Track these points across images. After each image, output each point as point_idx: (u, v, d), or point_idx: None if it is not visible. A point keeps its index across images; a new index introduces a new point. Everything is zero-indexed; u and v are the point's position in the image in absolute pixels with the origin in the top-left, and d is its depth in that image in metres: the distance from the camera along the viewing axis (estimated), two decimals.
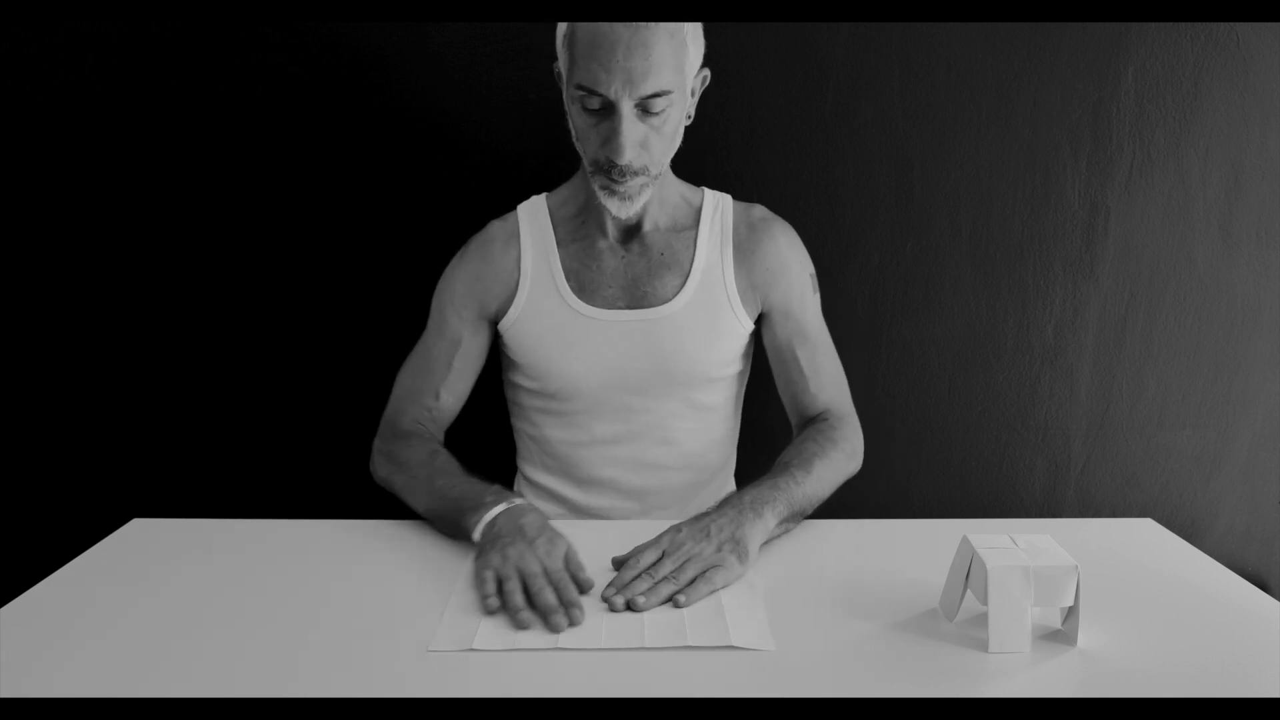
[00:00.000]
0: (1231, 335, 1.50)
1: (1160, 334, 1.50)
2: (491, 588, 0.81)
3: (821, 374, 1.14)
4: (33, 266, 1.42)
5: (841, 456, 1.06)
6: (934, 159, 1.42)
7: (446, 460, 1.03)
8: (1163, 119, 1.41)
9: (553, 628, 0.77)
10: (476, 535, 0.91)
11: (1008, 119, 1.41)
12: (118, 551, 0.94)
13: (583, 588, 0.84)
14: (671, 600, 0.82)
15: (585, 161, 1.03)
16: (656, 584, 0.83)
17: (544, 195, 1.17)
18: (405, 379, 1.14)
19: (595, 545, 0.94)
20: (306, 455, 1.49)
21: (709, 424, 1.16)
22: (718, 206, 1.15)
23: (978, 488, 1.56)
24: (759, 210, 1.16)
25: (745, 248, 1.12)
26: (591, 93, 0.95)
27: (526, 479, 1.22)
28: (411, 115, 1.38)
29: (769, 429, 1.31)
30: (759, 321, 1.15)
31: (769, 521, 0.92)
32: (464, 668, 0.72)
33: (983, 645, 0.75)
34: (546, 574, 0.83)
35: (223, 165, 1.39)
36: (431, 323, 1.15)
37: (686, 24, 0.98)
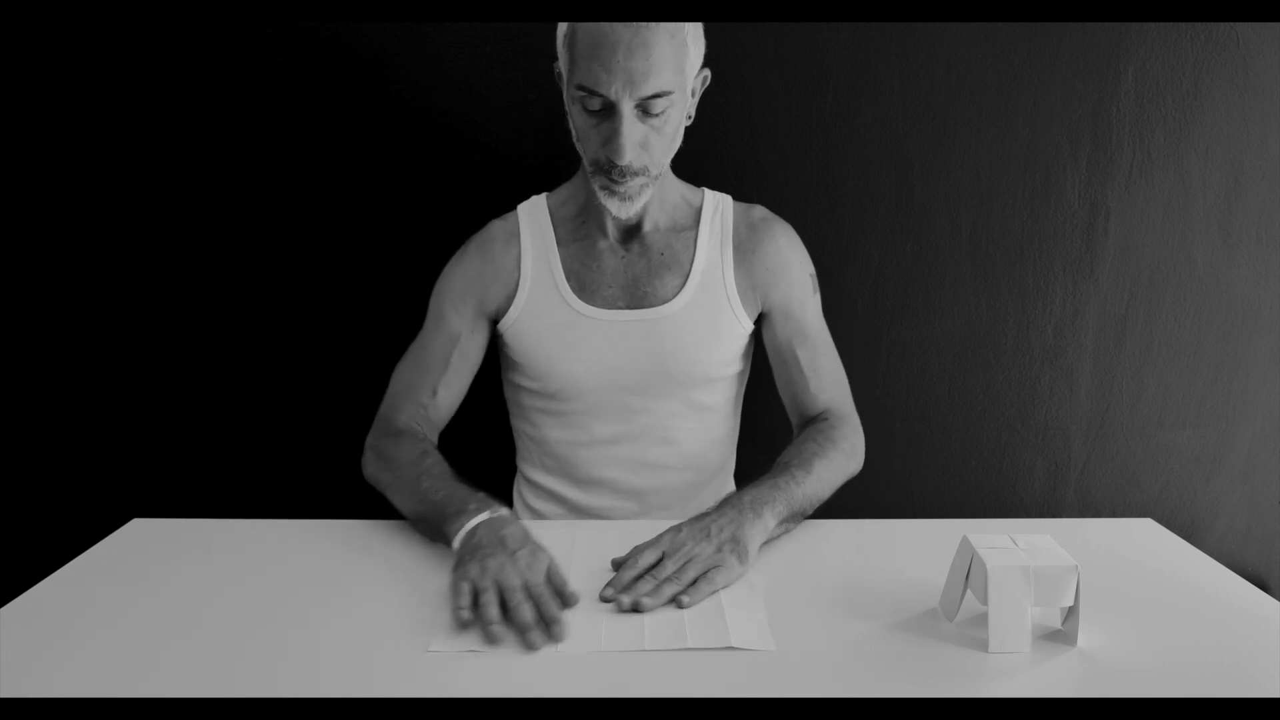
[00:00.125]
0: (1231, 335, 1.50)
1: (1160, 334, 1.50)
2: (466, 600, 0.78)
3: (822, 374, 1.14)
4: (33, 266, 1.42)
5: (841, 457, 1.06)
6: (934, 159, 1.42)
7: (435, 462, 1.00)
8: (1163, 119, 1.41)
9: (527, 645, 0.74)
10: (456, 543, 0.88)
11: (1008, 119, 1.41)
12: (118, 551, 0.94)
13: (566, 602, 0.81)
14: (675, 601, 0.81)
15: (585, 162, 1.03)
16: (660, 585, 0.82)
17: (544, 195, 1.17)
18: (401, 375, 1.14)
19: (595, 545, 0.94)
20: (306, 455, 1.49)
21: (709, 424, 1.16)
22: (718, 207, 1.15)
23: (978, 488, 1.56)
24: (759, 210, 1.16)
25: (745, 248, 1.12)
26: (592, 93, 0.95)
27: (526, 479, 1.22)
28: (411, 115, 1.38)
29: (769, 429, 1.31)
30: (759, 321, 1.15)
31: (769, 522, 0.92)
32: (464, 668, 0.72)
33: (983, 645, 0.75)
34: (526, 588, 0.80)
35: (223, 165, 1.39)
36: (429, 319, 1.14)
37: (687, 24, 0.97)
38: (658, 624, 0.78)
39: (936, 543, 0.91)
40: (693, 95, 1.04)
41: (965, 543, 0.78)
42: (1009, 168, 1.43)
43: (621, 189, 1.01)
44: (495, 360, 1.21)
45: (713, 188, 1.17)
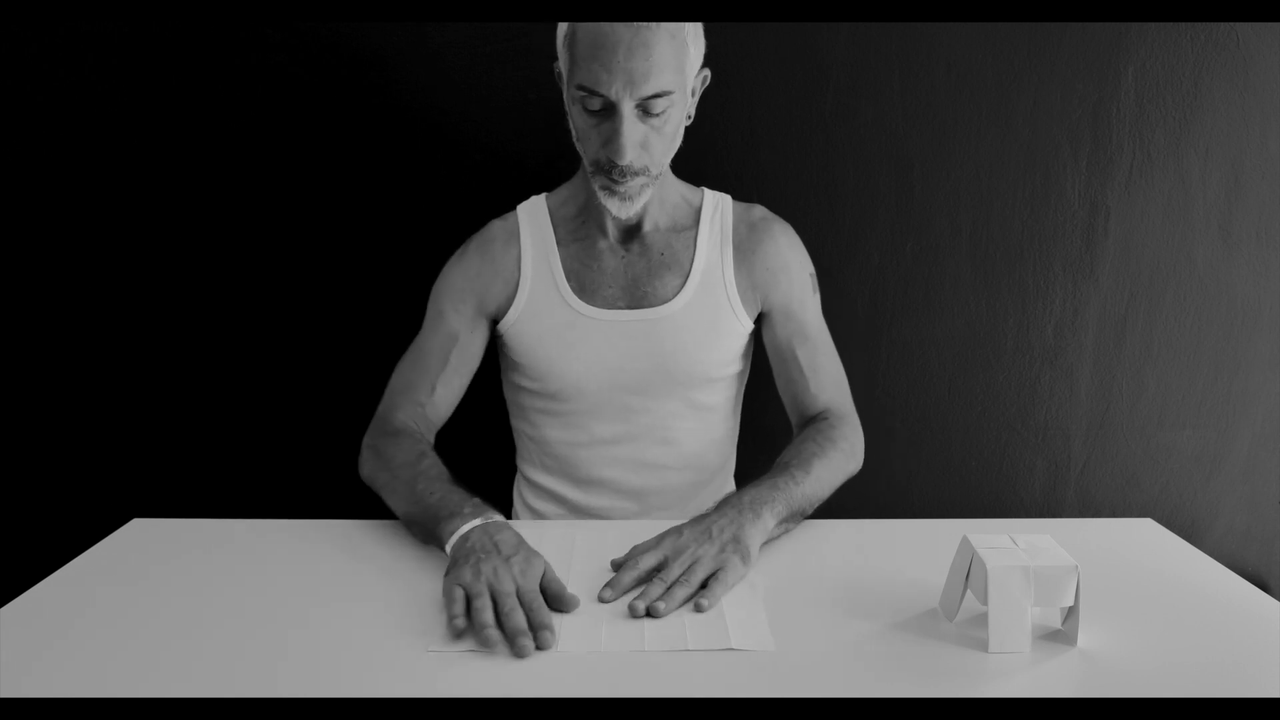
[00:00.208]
0: (1231, 335, 1.50)
1: (1160, 334, 1.50)
2: (459, 607, 0.77)
3: (821, 374, 1.14)
4: (33, 266, 1.42)
5: (841, 456, 1.06)
6: (934, 159, 1.42)
7: (432, 464, 0.99)
8: (1163, 119, 1.41)
9: (518, 651, 0.72)
10: (449, 547, 0.87)
11: (1008, 119, 1.41)
12: (118, 551, 0.94)
13: (567, 607, 0.81)
14: (694, 606, 0.81)
15: (586, 162, 1.03)
16: (669, 589, 0.82)
17: (544, 195, 1.17)
18: (400, 374, 1.14)
19: (595, 545, 0.94)
20: (307, 455, 1.49)
21: (709, 424, 1.16)
22: (717, 206, 1.15)
23: (978, 488, 1.56)
24: (759, 210, 1.16)
25: (745, 248, 1.12)
26: (592, 93, 0.95)
27: (526, 479, 1.22)
28: (411, 115, 1.38)
29: (769, 429, 1.31)
30: (759, 321, 1.15)
31: (768, 522, 0.92)
32: (464, 668, 0.72)
33: (983, 645, 0.75)
34: (520, 594, 0.79)
35: (223, 165, 1.39)
36: (429, 319, 1.14)
37: (687, 24, 0.97)
38: (658, 625, 0.78)
39: (936, 543, 0.91)
40: (693, 95, 1.04)
41: (965, 543, 0.78)
42: (1009, 168, 1.43)
43: (622, 189, 1.01)
44: (495, 360, 1.21)
45: (713, 188, 1.17)
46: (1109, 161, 1.43)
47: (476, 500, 0.93)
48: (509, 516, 1.14)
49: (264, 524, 1.02)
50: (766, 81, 1.39)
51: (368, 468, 1.06)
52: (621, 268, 1.11)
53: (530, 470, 1.21)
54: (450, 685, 0.69)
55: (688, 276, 1.10)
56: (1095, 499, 1.57)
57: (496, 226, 1.15)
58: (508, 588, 0.79)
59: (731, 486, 1.23)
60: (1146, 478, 1.56)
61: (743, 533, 0.89)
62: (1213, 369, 1.51)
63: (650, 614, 0.80)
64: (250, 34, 1.34)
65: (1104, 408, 1.53)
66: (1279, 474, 1.56)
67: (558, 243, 1.12)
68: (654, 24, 0.93)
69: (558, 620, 0.79)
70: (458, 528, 0.87)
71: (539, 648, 0.74)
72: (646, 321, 1.09)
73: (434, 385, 1.11)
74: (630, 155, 0.97)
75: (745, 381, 1.21)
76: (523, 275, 1.11)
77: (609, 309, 1.09)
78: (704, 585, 0.84)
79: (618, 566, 0.88)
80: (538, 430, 1.17)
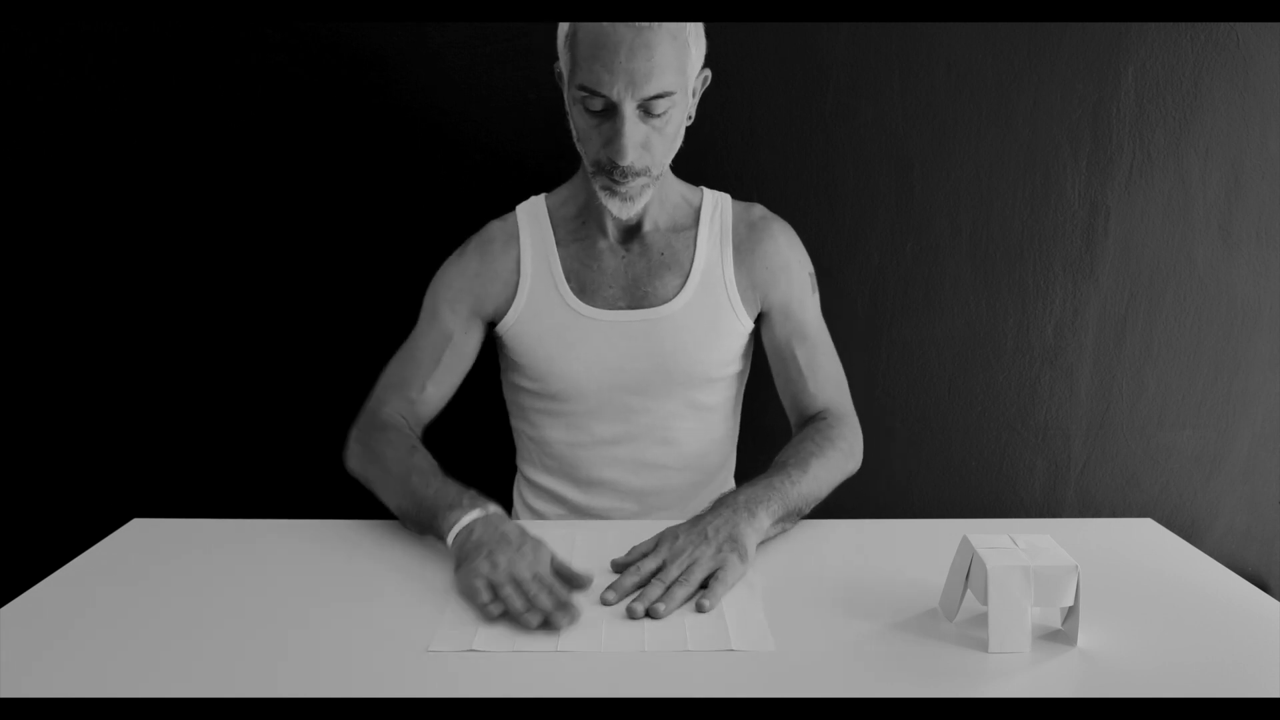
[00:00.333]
0: (1231, 335, 1.50)
1: (1160, 334, 1.50)
2: (488, 595, 0.80)
3: (820, 373, 1.14)
4: (33, 266, 1.42)
5: (839, 456, 1.06)
6: (934, 159, 1.42)
7: (423, 458, 1.01)
8: (1163, 119, 1.41)
9: (555, 625, 0.77)
10: (451, 538, 0.89)
11: (1008, 119, 1.41)
12: (118, 551, 0.94)
13: (580, 584, 0.85)
14: (697, 606, 0.81)
15: (586, 162, 1.03)
16: (669, 590, 0.82)
17: (543, 195, 1.17)
18: (392, 370, 1.14)
19: (595, 545, 0.94)
20: (306, 455, 1.49)
21: (709, 424, 1.16)
22: (717, 206, 1.15)
23: (978, 488, 1.56)
24: (758, 209, 1.16)
25: (745, 247, 1.12)
26: (594, 94, 0.95)
27: (527, 480, 1.22)
28: (411, 115, 1.38)
29: (769, 429, 1.31)
30: (758, 321, 1.15)
31: (763, 521, 0.92)
32: (464, 668, 0.72)
33: (983, 645, 0.75)
34: (538, 579, 0.82)
35: (223, 165, 1.39)
36: (423, 317, 1.14)
37: (689, 25, 0.98)
38: (658, 625, 0.78)
39: (936, 543, 0.91)
40: (693, 96, 1.04)
41: (965, 543, 0.78)
42: (1009, 168, 1.43)
43: (623, 189, 1.01)
44: (495, 361, 1.21)
45: (713, 188, 1.17)
46: (1109, 161, 1.43)
47: (472, 492, 0.95)
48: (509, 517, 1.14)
49: (264, 524, 1.02)
50: (766, 81, 1.39)
51: (356, 461, 1.07)
52: (621, 268, 1.11)
53: (530, 471, 1.21)
54: (450, 685, 0.69)
55: (688, 276, 1.10)
56: (1095, 499, 1.57)
57: (496, 227, 1.15)
58: (527, 574, 0.82)
59: (731, 486, 1.23)
60: (1146, 478, 1.56)
61: (738, 532, 0.89)
62: (1213, 369, 1.51)
63: (650, 615, 0.80)
64: (250, 34, 1.34)
65: (1104, 408, 1.53)
66: (1279, 474, 1.56)
67: (557, 243, 1.12)
68: (656, 25, 0.93)
69: None
70: (458, 519, 0.90)
71: (571, 620, 0.78)
72: (647, 321, 1.09)
73: (425, 384, 1.12)
74: (631, 156, 0.97)
75: (745, 381, 1.21)
76: (522, 276, 1.11)
77: (609, 309, 1.09)
78: (703, 585, 0.84)
79: (619, 568, 0.88)
80: (538, 431, 1.17)
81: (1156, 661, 0.73)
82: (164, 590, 0.85)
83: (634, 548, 0.90)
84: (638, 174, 1.00)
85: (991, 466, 1.56)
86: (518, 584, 0.81)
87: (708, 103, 1.23)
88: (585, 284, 1.10)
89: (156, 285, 1.43)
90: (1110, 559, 0.93)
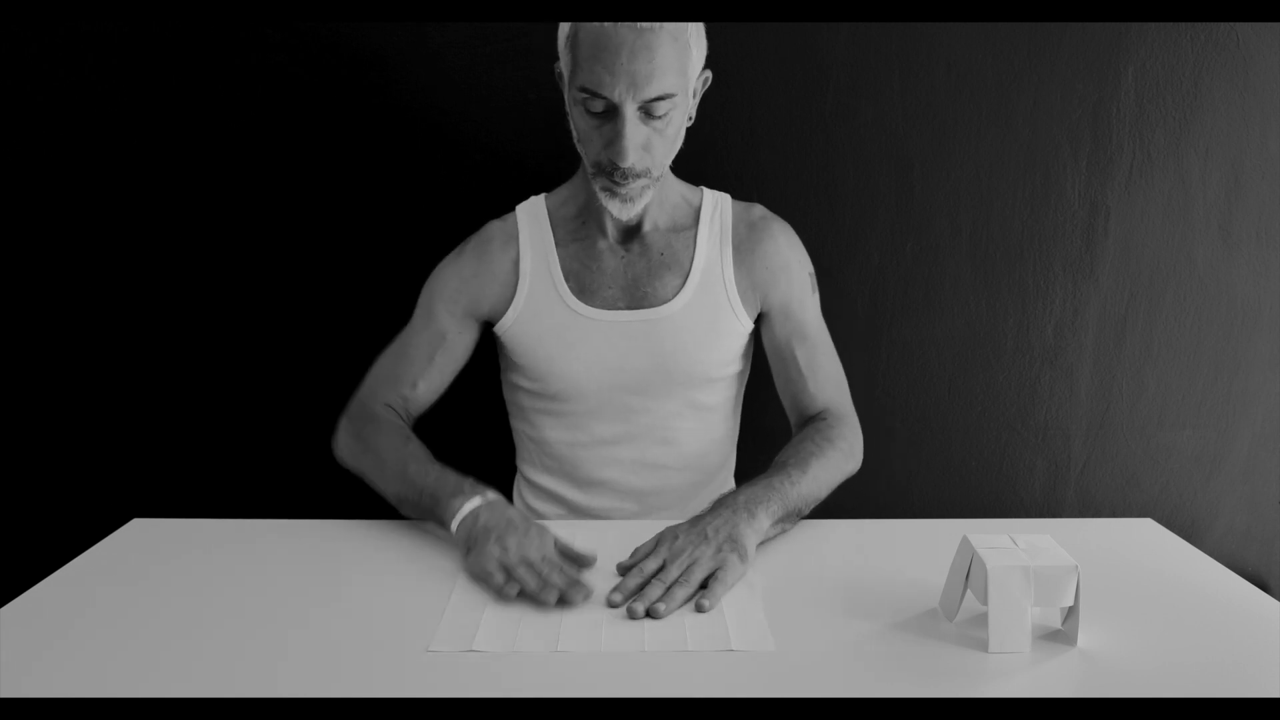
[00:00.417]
0: (1231, 335, 1.50)
1: (1160, 334, 1.50)
2: (502, 577, 0.83)
3: (820, 373, 1.14)
4: (33, 266, 1.42)
5: (839, 456, 1.06)
6: (934, 159, 1.42)
7: (418, 448, 1.04)
8: (1163, 119, 1.41)
9: (570, 601, 0.81)
10: (455, 524, 0.92)
11: (1008, 119, 1.41)
12: (118, 551, 0.95)
13: (585, 563, 0.89)
14: (696, 606, 0.81)
15: (587, 163, 1.03)
16: (669, 590, 0.82)
17: (543, 195, 1.17)
18: (383, 364, 1.15)
19: (595, 546, 0.94)
20: (306, 455, 1.49)
21: (709, 424, 1.16)
22: (717, 206, 1.15)
23: (978, 488, 1.56)
24: (758, 209, 1.16)
25: (745, 247, 1.12)
26: (595, 95, 0.95)
27: (526, 480, 1.22)
28: (411, 115, 1.38)
29: (769, 429, 1.31)
30: (758, 321, 1.15)
31: (763, 521, 0.92)
32: (464, 668, 0.72)
33: (983, 645, 0.75)
34: (547, 560, 0.86)
35: (223, 165, 1.39)
36: (418, 314, 1.15)
37: (689, 26, 0.98)
38: (658, 625, 0.78)
39: (936, 543, 0.91)
40: (694, 97, 1.04)
41: (965, 543, 0.78)
42: (1009, 168, 1.43)
43: (623, 191, 1.01)
44: (495, 361, 1.21)
45: (713, 188, 1.17)
46: (1109, 161, 1.43)
47: (471, 479, 0.98)
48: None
49: (264, 524, 1.02)
50: (766, 81, 1.39)
51: (348, 450, 1.09)
52: (621, 268, 1.11)
53: (530, 471, 1.21)
54: (450, 685, 0.69)
55: (687, 276, 1.10)
56: (1095, 499, 1.57)
57: (495, 228, 1.15)
58: (537, 556, 0.86)
59: (732, 486, 1.23)
60: (1146, 478, 1.56)
61: (738, 531, 0.89)
62: (1213, 369, 1.51)
63: (650, 615, 0.80)
64: (250, 34, 1.34)
65: (1104, 408, 1.53)
66: (1279, 474, 1.56)
67: (557, 243, 1.12)
68: (657, 26, 0.93)
69: (558, 622, 0.79)
70: (462, 505, 0.93)
71: (585, 596, 0.82)
72: (646, 322, 1.09)
73: (416, 381, 1.13)
74: (632, 157, 0.97)
75: (745, 381, 1.21)
76: (521, 276, 1.11)
77: (609, 309, 1.09)
78: (703, 585, 0.84)
79: (625, 570, 0.88)
80: (538, 431, 1.17)
81: (1156, 661, 0.73)
82: (164, 590, 0.85)
83: (637, 549, 0.91)
84: (638, 175, 1.00)
85: (991, 466, 1.56)
86: (529, 565, 0.85)
87: (708, 103, 1.23)
88: (585, 284, 1.10)
89: (157, 285, 1.43)
90: (1110, 559, 0.93)
